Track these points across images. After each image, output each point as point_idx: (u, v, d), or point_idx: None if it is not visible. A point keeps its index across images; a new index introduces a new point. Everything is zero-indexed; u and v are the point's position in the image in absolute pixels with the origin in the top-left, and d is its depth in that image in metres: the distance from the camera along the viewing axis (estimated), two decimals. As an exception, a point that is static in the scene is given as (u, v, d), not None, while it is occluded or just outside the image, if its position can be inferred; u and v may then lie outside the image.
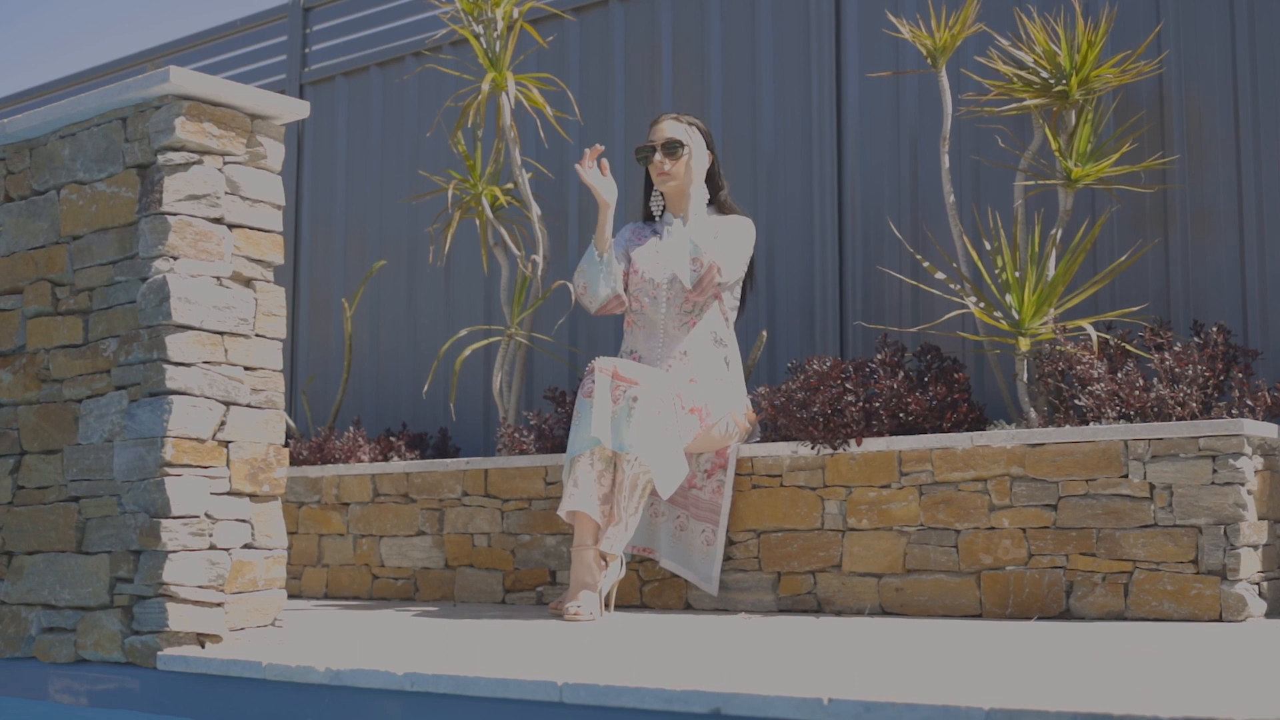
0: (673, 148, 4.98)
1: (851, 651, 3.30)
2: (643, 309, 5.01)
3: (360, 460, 5.96)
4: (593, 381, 4.58)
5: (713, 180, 5.09)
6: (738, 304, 5.09)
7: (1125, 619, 4.09)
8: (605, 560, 4.56)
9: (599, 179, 5.01)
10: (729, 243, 4.93)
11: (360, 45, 7.34)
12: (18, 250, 3.91)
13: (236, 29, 7.89)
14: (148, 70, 8.11)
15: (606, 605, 4.63)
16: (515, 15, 5.72)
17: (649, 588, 5.00)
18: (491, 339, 5.97)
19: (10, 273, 3.93)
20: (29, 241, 3.89)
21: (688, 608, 4.90)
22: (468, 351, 5.91)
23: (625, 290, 5.05)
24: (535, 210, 5.77)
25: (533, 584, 5.29)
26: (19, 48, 23.05)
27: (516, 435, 5.51)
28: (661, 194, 5.11)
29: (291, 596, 5.97)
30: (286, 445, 6.24)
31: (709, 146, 5.06)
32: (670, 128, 5.03)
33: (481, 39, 5.70)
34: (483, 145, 6.07)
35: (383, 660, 3.09)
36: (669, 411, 4.59)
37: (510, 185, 5.99)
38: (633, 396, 4.52)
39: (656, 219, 5.15)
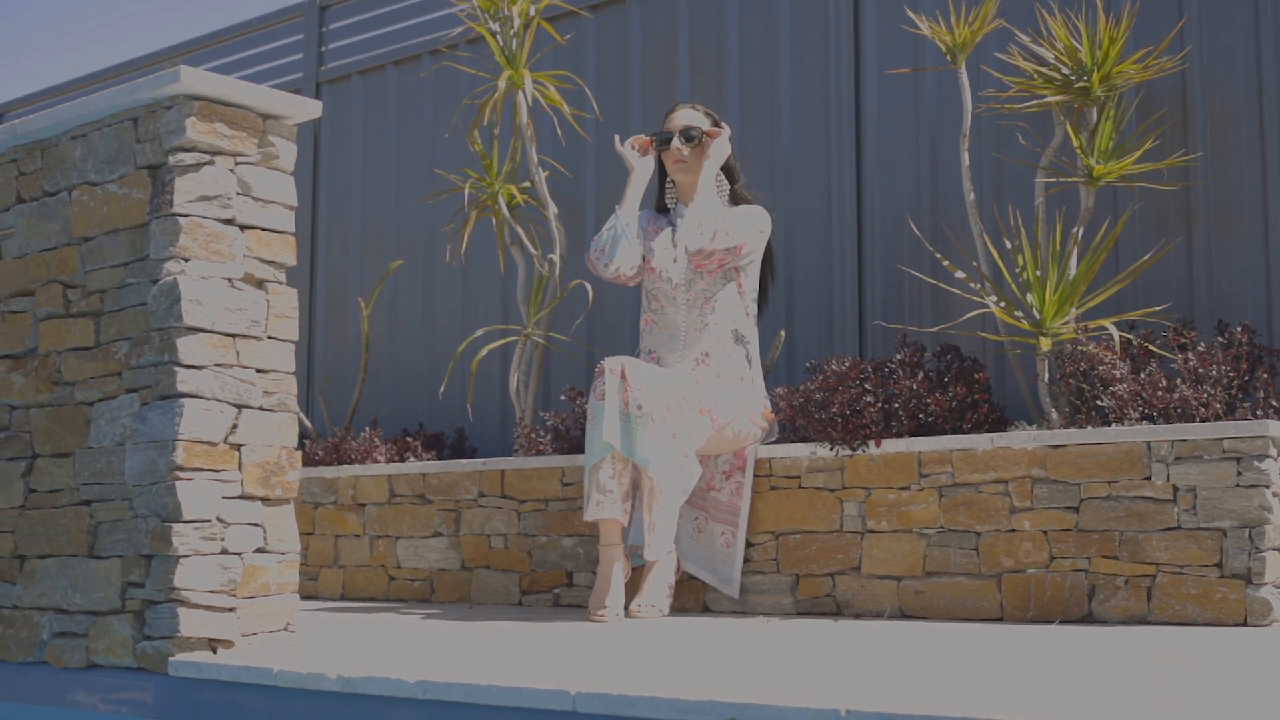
0: (691, 135, 4.90)
1: (870, 658, 3.25)
2: (661, 309, 4.94)
3: (376, 461, 5.94)
4: (603, 383, 4.54)
5: (729, 173, 5.01)
6: (757, 294, 4.99)
7: (1148, 623, 4.04)
8: (629, 561, 4.57)
9: (631, 151, 5.01)
10: (735, 215, 4.85)
11: (377, 44, 7.31)
12: (29, 252, 3.89)
13: (253, 28, 7.87)
14: (163, 70, 8.10)
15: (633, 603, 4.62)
16: (532, 13, 5.68)
17: (666, 590, 4.96)
18: (508, 339, 5.93)
19: (22, 274, 3.90)
20: (41, 243, 3.86)
21: (705, 610, 4.86)
22: (484, 351, 5.88)
23: (641, 276, 4.99)
24: (552, 209, 5.73)
25: (550, 585, 5.25)
26: (33, 47, 23.10)
27: (533, 435, 5.48)
28: (674, 184, 5.04)
29: (308, 597, 5.95)
30: (302, 445, 6.23)
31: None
32: (687, 115, 4.96)
33: (498, 36, 5.66)
34: (499, 143, 6.04)
35: (395, 667, 3.05)
36: (677, 415, 4.54)
37: (527, 184, 5.95)
38: (637, 404, 4.47)
39: (670, 210, 5.07)
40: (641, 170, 4.99)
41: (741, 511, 4.75)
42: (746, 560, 4.79)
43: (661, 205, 5.12)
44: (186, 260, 3.51)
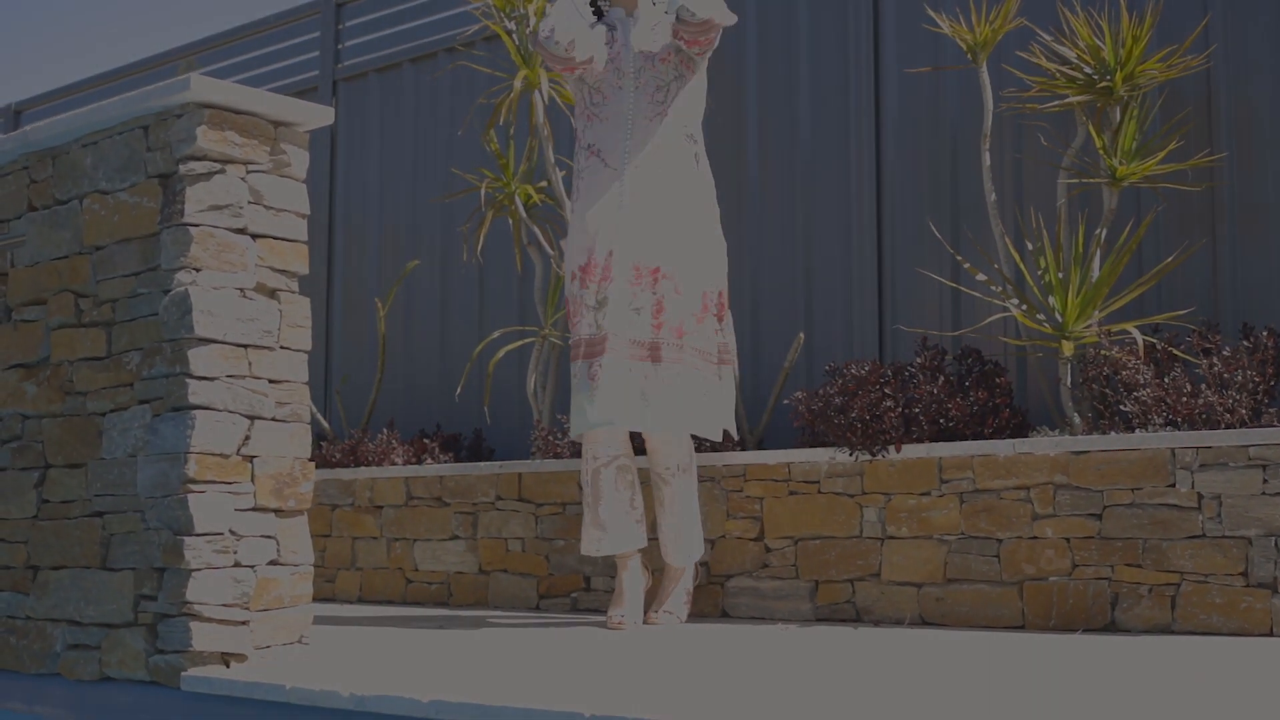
0: None
1: (891, 672, 3.21)
2: (605, 100, 4.60)
3: (394, 462, 5.91)
4: (600, 475, 4.47)
5: None
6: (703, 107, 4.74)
7: (1172, 632, 3.99)
8: (647, 567, 4.55)
9: None
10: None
11: (393, 41, 7.27)
12: (41, 260, 3.86)
13: (269, 25, 7.84)
14: (181, 68, 8.08)
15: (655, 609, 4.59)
16: (548, 11, 5.62)
17: (684, 595, 4.92)
18: (526, 340, 5.89)
19: (34, 283, 3.87)
20: (52, 252, 3.83)
21: (724, 615, 4.82)
22: (502, 353, 5.84)
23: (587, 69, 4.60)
24: (569, 209, 5.68)
25: (567, 590, 5.21)
26: (50, 46, 23.13)
27: (550, 438, 5.44)
28: None
29: (325, 600, 5.93)
30: (320, 447, 6.20)
31: None
32: None
33: (514, 35, 5.61)
34: (515, 143, 5.99)
35: (408, 685, 3.02)
36: (691, 374, 4.47)
37: (544, 184, 5.91)
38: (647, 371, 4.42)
39: (605, 10, 4.71)
40: None
41: (732, 348, 4.66)
42: (764, 566, 4.74)
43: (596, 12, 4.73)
44: (198, 270, 3.48)
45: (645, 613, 4.56)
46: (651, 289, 4.44)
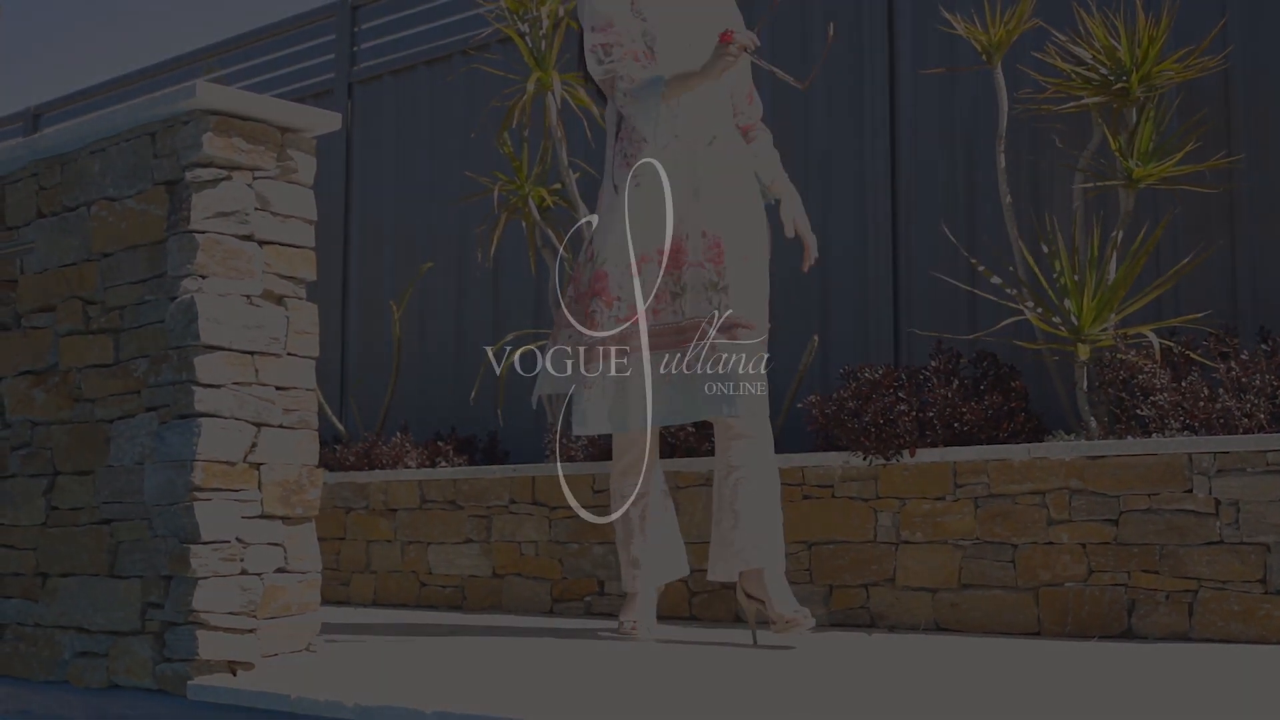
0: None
1: (908, 684, 3.17)
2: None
3: (407, 465, 5.89)
4: (629, 514, 4.39)
5: None
6: None
7: (1190, 640, 3.94)
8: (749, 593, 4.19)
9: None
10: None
11: (408, 43, 7.26)
12: (50, 267, 3.85)
13: (285, 28, 7.84)
14: (205, 69, 8.08)
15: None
16: (560, 13, 5.60)
17: (698, 600, 4.90)
18: (540, 343, 5.86)
19: (43, 290, 3.87)
20: (61, 258, 3.82)
21: (737, 620, 4.79)
22: (516, 355, 5.81)
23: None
24: (583, 211, 5.66)
25: (581, 594, 5.19)
26: (66, 49, 23.19)
27: (564, 441, 5.42)
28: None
29: (340, 603, 5.92)
30: (335, 450, 6.19)
31: None
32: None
33: (526, 38, 5.59)
34: (529, 145, 5.97)
35: (414, 695, 3.00)
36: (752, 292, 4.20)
37: (558, 186, 5.88)
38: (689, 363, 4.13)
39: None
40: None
41: (760, 322, 4.19)
42: (779, 571, 4.71)
43: None
44: (204, 278, 3.46)
45: (774, 617, 4.07)
46: (727, 266, 4.20)
